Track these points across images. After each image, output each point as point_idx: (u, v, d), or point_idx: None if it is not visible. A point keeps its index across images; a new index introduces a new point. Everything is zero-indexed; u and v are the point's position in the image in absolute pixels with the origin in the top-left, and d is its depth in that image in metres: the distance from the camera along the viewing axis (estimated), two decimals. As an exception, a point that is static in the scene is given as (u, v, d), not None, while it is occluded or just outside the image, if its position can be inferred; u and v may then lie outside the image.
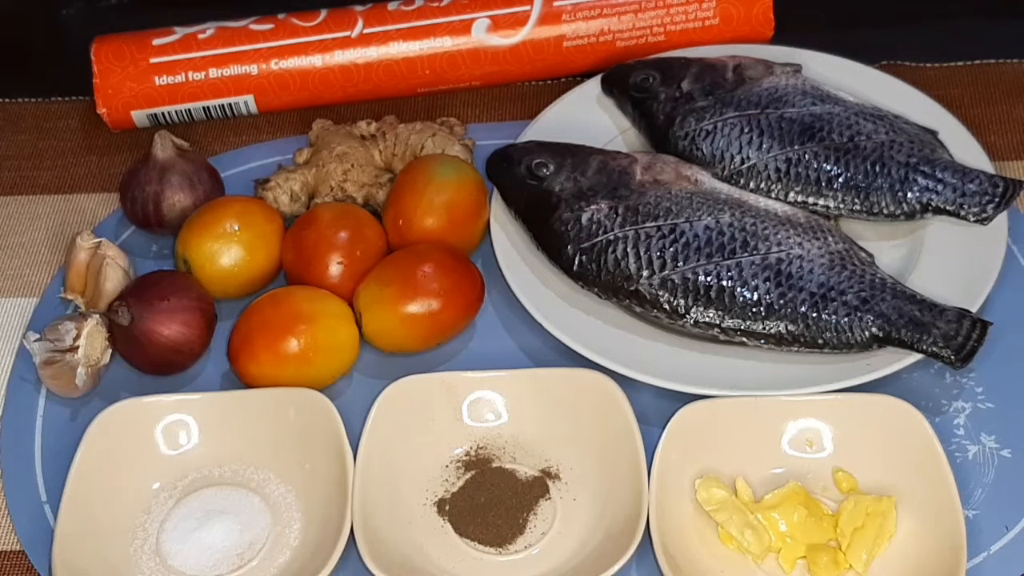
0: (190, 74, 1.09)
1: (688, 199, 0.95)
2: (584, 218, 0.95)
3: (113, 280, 0.97)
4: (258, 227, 0.98)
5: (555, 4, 1.10)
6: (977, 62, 1.13)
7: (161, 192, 1.01)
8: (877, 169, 0.97)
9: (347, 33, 1.10)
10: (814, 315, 0.90)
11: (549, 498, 0.89)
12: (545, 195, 0.98)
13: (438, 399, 0.92)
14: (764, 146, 0.99)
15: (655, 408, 0.90)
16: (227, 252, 0.97)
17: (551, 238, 0.96)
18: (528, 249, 0.99)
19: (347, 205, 1.01)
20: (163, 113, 1.10)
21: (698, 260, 0.92)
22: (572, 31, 1.10)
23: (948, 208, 0.96)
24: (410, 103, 1.13)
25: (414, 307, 0.94)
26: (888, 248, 0.98)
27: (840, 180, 0.98)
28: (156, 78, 1.09)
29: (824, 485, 0.88)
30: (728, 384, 0.90)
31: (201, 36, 1.10)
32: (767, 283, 0.91)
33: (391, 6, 1.11)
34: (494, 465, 0.90)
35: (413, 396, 0.91)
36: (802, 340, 0.91)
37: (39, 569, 0.87)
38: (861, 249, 0.94)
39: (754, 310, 0.91)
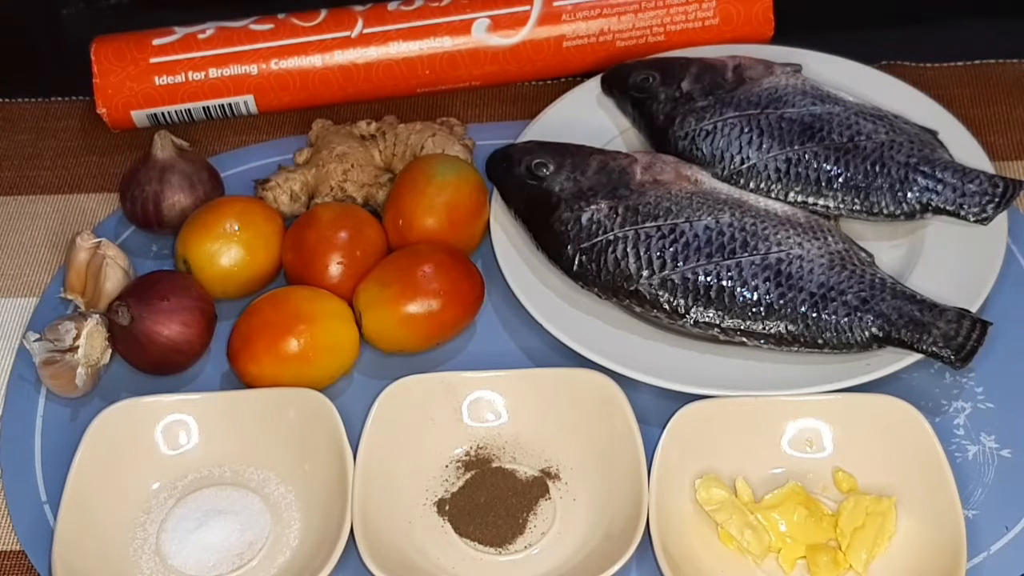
0: (190, 74, 1.09)
1: (688, 199, 0.95)
2: (584, 218, 0.95)
3: (113, 280, 0.97)
4: (258, 227, 0.98)
5: (555, 4, 1.10)
6: (977, 62, 1.13)
7: (161, 192, 1.01)
8: (877, 169, 0.97)
9: (347, 33, 1.10)
10: (814, 315, 0.90)
11: (549, 498, 0.89)
12: (545, 195, 0.98)
13: (438, 399, 0.92)
14: (764, 146, 0.99)
15: (655, 408, 0.90)
16: (227, 252, 0.97)
17: (551, 238, 0.96)
18: (528, 249, 0.99)
19: (347, 205, 1.01)
20: (163, 113, 1.10)
21: (698, 260, 0.92)
22: (572, 31, 1.10)
23: (948, 208, 0.96)
24: (410, 103, 1.13)
25: (414, 307, 0.94)
26: (888, 248, 0.98)
27: (840, 180, 0.98)
28: (156, 78, 1.09)
29: (824, 485, 0.88)
30: (728, 384, 0.90)
31: (201, 36, 1.10)
32: (767, 283, 0.91)
33: (391, 6, 1.11)
34: (494, 465, 0.90)
35: (413, 396, 0.91)
36: (802, 340, 0.91)
37: (39, 569, 0.87)
38: (861, 249, 0.94)
39: (754, 310, 0.91)
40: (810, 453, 0.89)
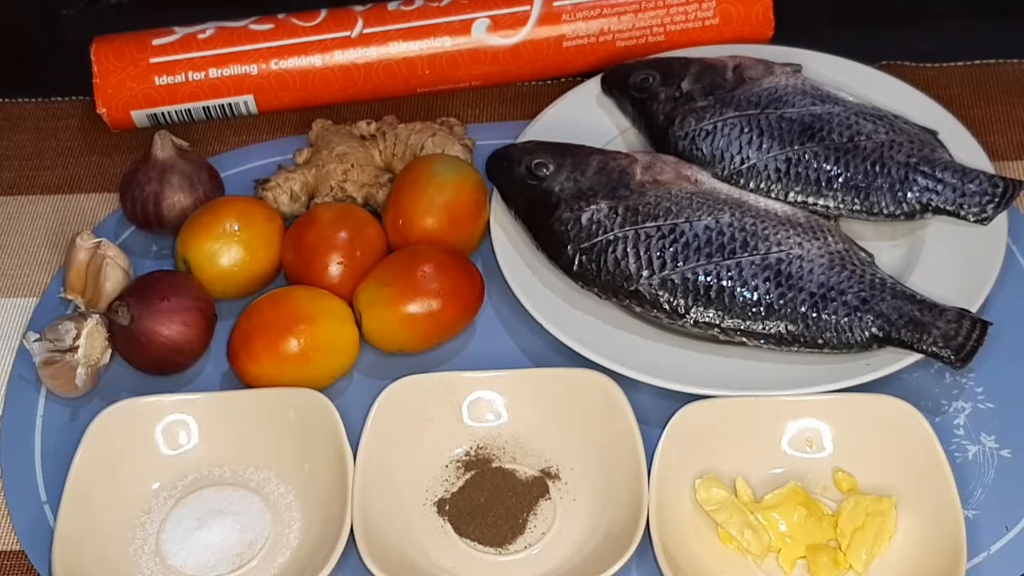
0: (190, 74, 1.09)
1: (688, 199, 0.95)
2: (584, 218, 0.95)
3: (113, 280, 0.97)
4: (258, 227, 0.98)
5: (555, 4, 1.10)
6: (977, 62, 1.13)
7: (161, 192, 1.01)
8: (877, 169, 0.97)
9: (347, 33, 1.10)
10: (814, 315, 0.90)
11: (549, 498, 0.89)
12: (545, 195, 0.98)
13: (438, 399, 0.92)
14: (764, 146, 0.99)
15: (655, 408, 0.90)
16: (227, 252, 0.97)
17: (551, 238, 0.96)
18: (528, 249, 0.99)
19: (347, 205, 1.01)
20: (163, 113, 1.10)
21: (698, 260, 0.92)
22: (572, 31, 1.10)
23: (948, 208, 0.96)
24: (410, 103, 1.13)
25: (414, 307, 0.94)
26: (888, 248, 0.98)
27: (840, 180, 0.98)
28: (156, 78, 1.09)
29: (824, 485, 0.88)
30: (728, 384, 0.90)
31: (201, 36, 1.10)
32: (767, 283, 0.91)
33: (391, 6, 1.11)
34: (494, 465, 0.90)
35: (413, 396, 0.91)
36: (802, 340, 0.91)
37: (39, 569, 0.87)
38: (861, 249, 0.94)
39: (754, 310, 0.91)
40: (810, 453, 0.89)
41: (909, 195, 0.97)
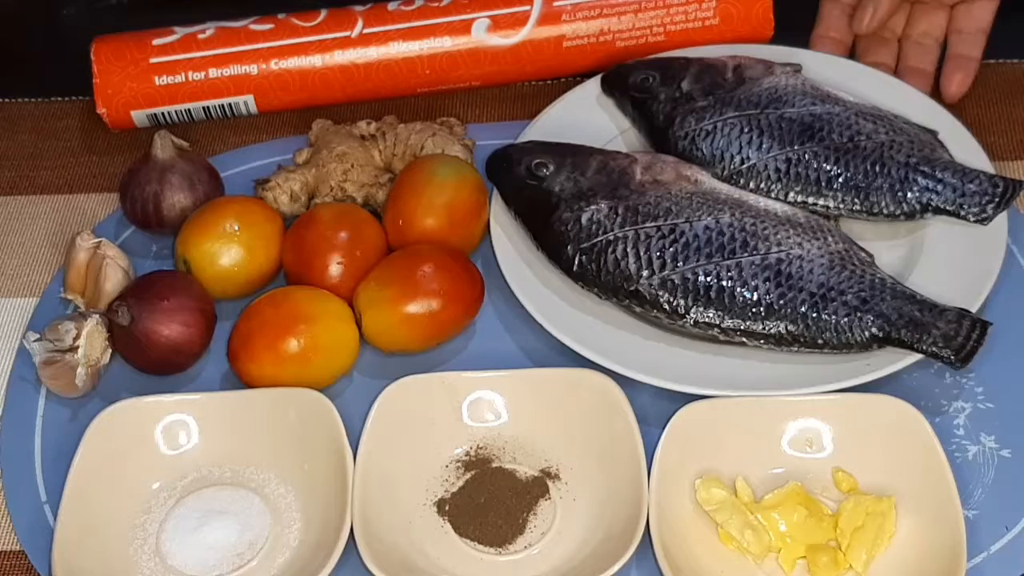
0: (190, 74, 1.09)
1: (688, 199, 0.95)
2: (584, 218, 0.95)
3: (113, 280, 0.97)
4: (258, 227, 0.98)
5: (555, 4, 1.10)
6: (977, 62, 1.13)
7: (161, 192, 1.01)
8: (877, 169, 0.97)
9: (347, 33, 1.10)
10: (814, 315, 0.90)
11: (549, 498, 0.89)
12: (545, 195, 0.98)
13: (438, 399, 0.92)
14: (764, 146, 0.99)
15: (655, 408, 0.90)
16: (227, 252, 0.97)
17: (551, 238, 0.96)
18: (528, 249, 0.99)
19: (347, 205, 1.01)
20: (163, 113, 1.10)
21: (698, 260, 0.92)
22: (572, 31, 1.10)
23: (948, 208, 0.96)
24: (410, 103, 1.13)
25: (414, 307, 0.94)
26: (888, 248, 0.98)
27: (840, 180, 0.98)
28: (156, 78, 1.09)
29: (824, 485, 0.88)
30: (728, 384, 0.90)
31: (201, 36, 1.10)
32: (767, 283, 0.91)
33: (391, 6, 1.11)
34: (494, 465, 0.90)
35: (413, 396, 0.91)
36: (802, 340, 0.91)
37: (39, 569, 0.87)
38: (861, 249, 0.94)
39: (754, 310, 0.91)
40: (810, 453, 0.89)
41: (909, 195, 0.97)
